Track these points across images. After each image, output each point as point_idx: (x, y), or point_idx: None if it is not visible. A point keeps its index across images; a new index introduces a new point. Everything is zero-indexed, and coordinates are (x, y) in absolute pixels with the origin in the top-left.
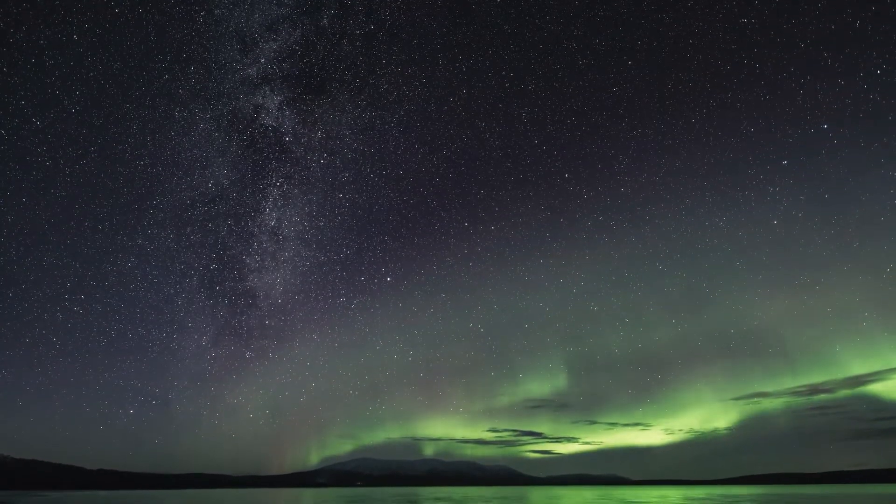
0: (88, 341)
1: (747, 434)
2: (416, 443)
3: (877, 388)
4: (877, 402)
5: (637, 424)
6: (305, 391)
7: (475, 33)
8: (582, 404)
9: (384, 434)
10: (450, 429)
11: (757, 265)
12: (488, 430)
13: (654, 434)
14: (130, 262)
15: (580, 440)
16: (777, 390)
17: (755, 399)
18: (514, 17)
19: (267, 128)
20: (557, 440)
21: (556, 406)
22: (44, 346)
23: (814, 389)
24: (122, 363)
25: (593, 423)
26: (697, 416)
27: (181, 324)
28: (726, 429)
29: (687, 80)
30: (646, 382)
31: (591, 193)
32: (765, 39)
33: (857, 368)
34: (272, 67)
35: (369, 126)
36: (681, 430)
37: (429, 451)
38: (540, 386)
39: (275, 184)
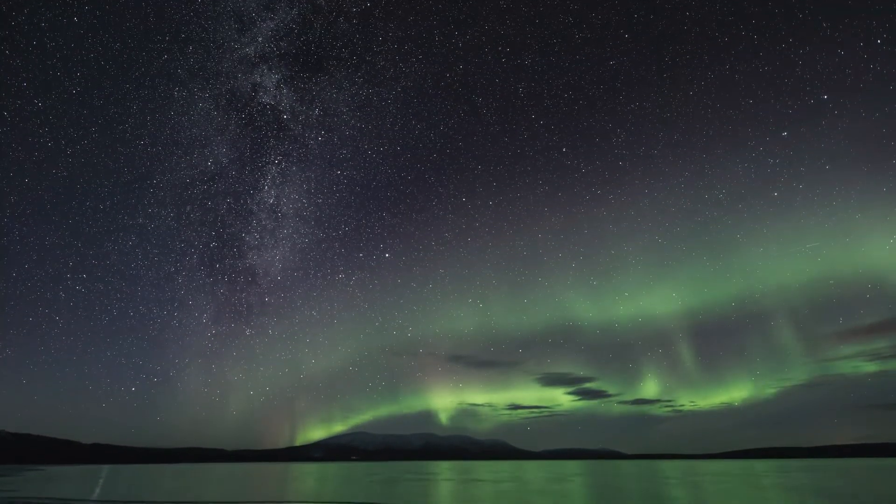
0: (91, 320)
1: (750, 410)
2: (413, 417)
3: None
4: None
5: (637, 398)
6: (305, 367)
7: (471, 9)
8: (581, 378)
9: (382, 409)
10: (448, 404)
11: (758, 237)
12: (486, 405)
13: (653, 407)
14: (131, 241)
15: (578, 414)
16: (774, 368)
17: (758, 374)
18: None
19: (265, 106)
20: (555, 414)
21: (555, 380)
22: (47, 324)
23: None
24: (123, 341)
25: (591, 396)
26: (697, 391)
27: (182, 302)
28: (729, 403)
29: (684, 52)
30: (647, 357)
31: (589, 167)
32: (763, 10)
33: None
34: (270, 46)
35: (367, 103)
36: (680, 404)
37: (425, 425)
38: (539, 360)
39: (273, 161)
